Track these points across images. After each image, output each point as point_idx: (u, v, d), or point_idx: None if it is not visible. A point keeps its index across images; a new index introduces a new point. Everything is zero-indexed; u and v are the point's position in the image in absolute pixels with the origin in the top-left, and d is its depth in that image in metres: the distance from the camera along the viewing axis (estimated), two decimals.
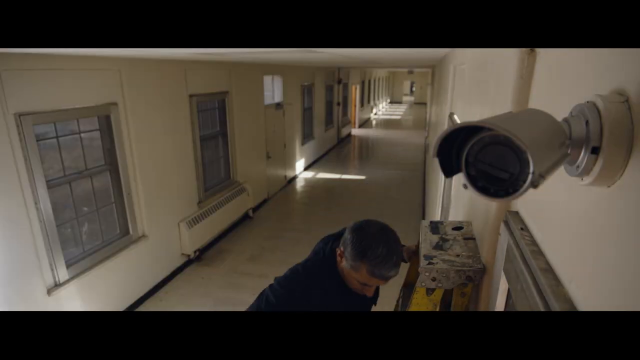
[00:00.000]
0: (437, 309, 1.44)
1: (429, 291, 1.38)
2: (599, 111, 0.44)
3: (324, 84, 11.37)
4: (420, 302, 1.42)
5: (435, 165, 0.50)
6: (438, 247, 1.46)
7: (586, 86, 0.57)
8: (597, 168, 0.44)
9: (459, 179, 0.46)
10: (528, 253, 0.71)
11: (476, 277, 1.31)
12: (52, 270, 3.29)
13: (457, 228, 1.61)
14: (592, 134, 0.43)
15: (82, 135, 3.65)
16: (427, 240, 1.51)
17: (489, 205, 1.10)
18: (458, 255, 1.40)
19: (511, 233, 0.85)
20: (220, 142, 6.10)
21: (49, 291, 3.27)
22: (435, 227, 1.65)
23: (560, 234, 0.64)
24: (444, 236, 1.55)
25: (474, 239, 1.51)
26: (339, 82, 13.05)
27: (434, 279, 1.33)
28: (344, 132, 14.95)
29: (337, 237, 1.56)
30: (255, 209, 7.05)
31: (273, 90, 7.91)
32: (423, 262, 1.35)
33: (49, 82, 3.17)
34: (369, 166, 11.21)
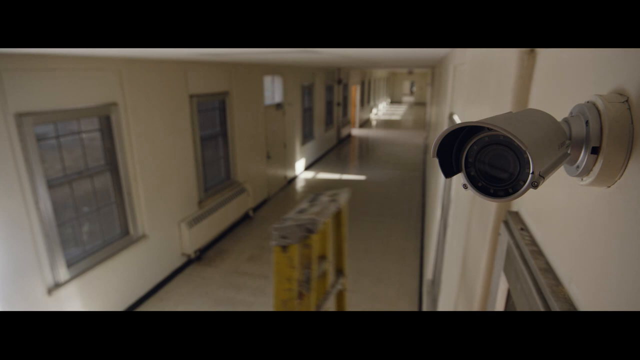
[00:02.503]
0: (297, 265, 1.57)
1: (284, 248, 1.54)
2: (599, 111, 0.44)
3: (324, 84, 11.37)
4: (280, 260, 1.57)
5: (435, 165, 0.50)
6: (301, 210, 1.64)
7: (586, 86, 0.57)
8: (597, 168, 0.44)
9: (459, 178, 0.46)
10: (528, 253, 0.71)
11: (314, 227, 1.50)
12: (52, 270, 3.29)
13: (332, 195, 1.84)
14: (592, 134, 0.43)
15: (83, 135, 3.65)
16: (297, 208, 1.69)
17: (489, 205, 1.10)
18: (311, 215, 1.58)
19: (511, 233, 0.85)
20: (221, 142, 6.11)
21: (49, 291, 3.28)
22: (315, 198, 1.84)
23: (560, 234, 0.64)
24: (314, 202, 1.74)
25: (335, 201, 1.77)
26: (339, 82, 13.05)
27: (283, 237, 1.51)
28: (344, 132, 14.94)
29: None
30: (255, 209, 7.05)
31: (273, 90, 7.91)
32: (276, 224, 1.54)
33: (49, 82, 3.18)
34: (369, 166, 11.21)
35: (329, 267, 2.12)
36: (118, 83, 3.87)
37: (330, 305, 2.32)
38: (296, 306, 1.61)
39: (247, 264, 5.26)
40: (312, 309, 1.73)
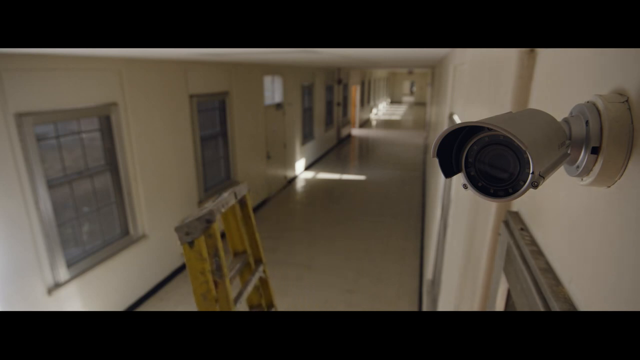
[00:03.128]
0: (206, 257, 1.61)
1: (190, 244, 1.58)
2: (599, 111, 0.44)
3: (324, 84, 11.37)
4: (190, 257, 1.60)
5: (435, 165, 0.50)
6: (204, 209, 1.72)
7: (586, 86, 0.57)
8: (597, 168, 0.44)
9: (459, 178, 0.46)
10: (528, 253, 0.71)
11: (212, 217, 1.56)
12: (52, 270, 3.29)
13: (232, 189, 1.97)
14: (592, 134, 0.43)
15: (83, 135, 3.65)
16: (201, 208, 1.77)
17: (489, 205, 1.10)
18: (209, 208, 1.63)
19: (511, 233, 0.85)
20: (220, 142, 6.11)
21: (49, 291, 3.27)
22: (217, 197, 1.96)
23: (560, 234, 0.64)
24: (216, 199, 1.83)
25: (234, 193, 1.91)
26: (339, 82, 13.05)
27: (187, 233, 1.55)
28: (344, 132, 14.94)
29: None
30: (255, 209, 7.05)
31: (273, 90, 7.91)
32: (178, 224, 1.59)
33: (50, 82, 3.18)
34: (369, 166, 11.20)
35: (251, 259, 2.23)
36: (118, 83, 3.87)
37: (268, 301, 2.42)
38: (215, 296, 1.64)
39: None
40: (230, 295, 1.77)
